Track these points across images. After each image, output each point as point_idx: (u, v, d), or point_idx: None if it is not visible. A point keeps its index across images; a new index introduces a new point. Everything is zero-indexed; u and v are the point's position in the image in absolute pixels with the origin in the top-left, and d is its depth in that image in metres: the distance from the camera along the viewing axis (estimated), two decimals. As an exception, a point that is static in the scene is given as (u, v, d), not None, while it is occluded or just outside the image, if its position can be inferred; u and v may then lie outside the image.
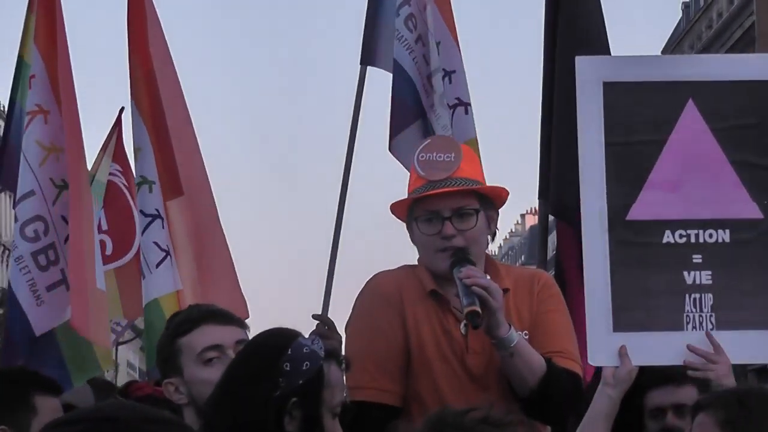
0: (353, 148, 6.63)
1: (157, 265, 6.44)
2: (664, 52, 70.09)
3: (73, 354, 6.17)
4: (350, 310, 4.87)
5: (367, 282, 4.83)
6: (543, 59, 6.49)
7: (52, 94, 6.46)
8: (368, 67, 6.77)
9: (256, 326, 4.38)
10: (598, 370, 4.89)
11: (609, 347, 4.87)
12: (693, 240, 5.02)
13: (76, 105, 6.52)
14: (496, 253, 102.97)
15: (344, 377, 3.98)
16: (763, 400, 4.08)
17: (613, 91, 5.06)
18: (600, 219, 4.98)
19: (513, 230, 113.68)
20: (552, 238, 7.22)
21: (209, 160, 6.74)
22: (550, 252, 7.22)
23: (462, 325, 4.64)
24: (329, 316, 5.74)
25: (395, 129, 6.46)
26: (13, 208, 6.53)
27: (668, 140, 5.04)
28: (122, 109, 8.39)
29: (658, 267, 5.01)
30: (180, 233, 6.63)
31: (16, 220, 6.41)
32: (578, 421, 4.72)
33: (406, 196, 4.81)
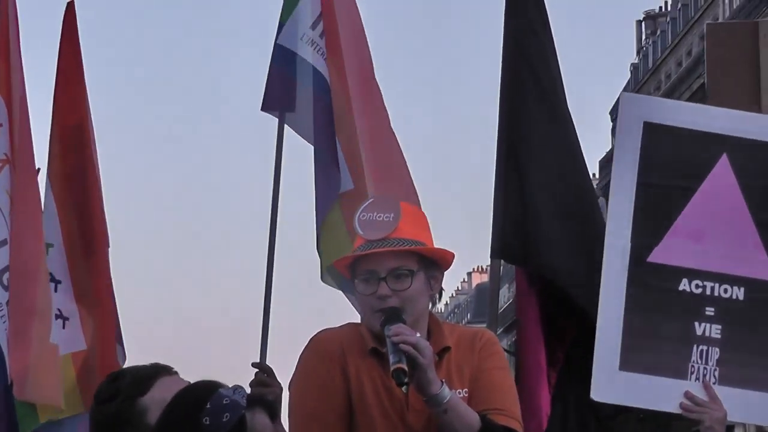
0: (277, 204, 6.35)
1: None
2: (611, 112, 70.95)
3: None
4: (295, 367, 4.81)
5: (310, 339, 4.76)
6: (498, 112, 6.05)
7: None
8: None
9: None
10: None
11: (613, 385, 4.92)
12: (708, 292, 5.03)
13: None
14: (442, 311, 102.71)
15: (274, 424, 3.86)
16: None
17: (653, 133, 5.07)
18: (622, 256, 5.00)
19: (459, 288, 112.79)
20: (503, 293, 7.11)
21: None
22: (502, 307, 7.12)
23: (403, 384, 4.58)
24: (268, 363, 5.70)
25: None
26: None
27: (698, 190, 5.05)
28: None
29: (671, 313, 5.02)
30: None
31: None
32: None
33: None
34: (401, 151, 6.28)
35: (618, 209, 5.06)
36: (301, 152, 6.41)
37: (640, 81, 65.84)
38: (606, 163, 67.38)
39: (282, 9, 6.27)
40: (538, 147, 5.78)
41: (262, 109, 6.26)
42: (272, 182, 6.27)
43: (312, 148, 6.25)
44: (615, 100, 70.63)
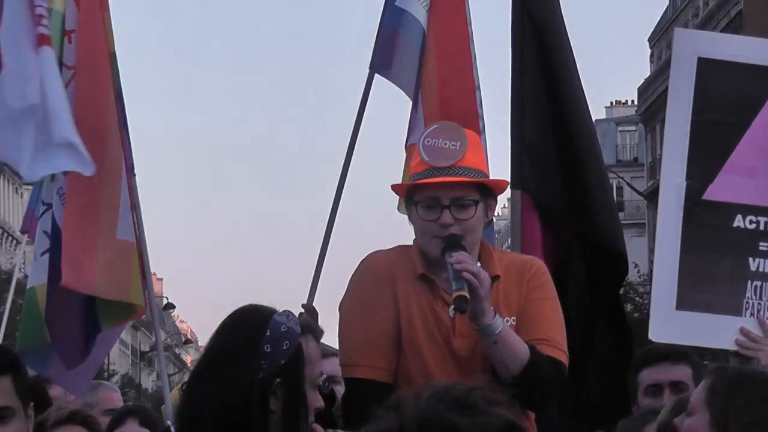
0: (354, 147, 6.36)
1: (42, 254, 6.09)
2: (650, 39, 70.81)
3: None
4: (347, 286, 4.83)
5: (361, 261, 4.77)
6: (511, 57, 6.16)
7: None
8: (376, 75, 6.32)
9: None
10: None
11: (671, 325, 4.94)
12: (762, 227, 5.01)
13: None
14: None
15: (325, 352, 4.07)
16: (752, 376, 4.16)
17: (706, 68, 5.01)
18: (677, 195, 4.99)
19: (500, 213, 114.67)
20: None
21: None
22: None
23: (450, 308, 4.58)
24: (318, 294, 5.81)
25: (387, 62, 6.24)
26: None
27: (752, 124, 5.00)
28: None
29: (726, 251, 4.99)
30: None
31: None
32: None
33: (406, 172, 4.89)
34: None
35: (673, 148, 5.03)
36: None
37: (678, 8, 65.47)
38: (644, 90, 67.55)
39: None
40: (542, 92, 5.93)
41: (371, 69, 6.19)
42: (351, 132, 6.27)
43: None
44: (653, 27, 70.73)
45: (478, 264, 4.49)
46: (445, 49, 6.01)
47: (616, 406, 5.72)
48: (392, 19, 6.07)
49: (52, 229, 5.96)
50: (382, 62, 6.12)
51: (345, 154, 6.22)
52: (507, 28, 6.08)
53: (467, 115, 5.82)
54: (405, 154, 6.09)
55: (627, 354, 5.79)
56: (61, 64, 5.97)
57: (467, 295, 4.33)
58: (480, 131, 5.86)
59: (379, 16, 6.19)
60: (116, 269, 5.76)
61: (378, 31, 6.15)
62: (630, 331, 5.99)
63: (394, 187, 4.79)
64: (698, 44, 5.09)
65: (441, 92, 5.96)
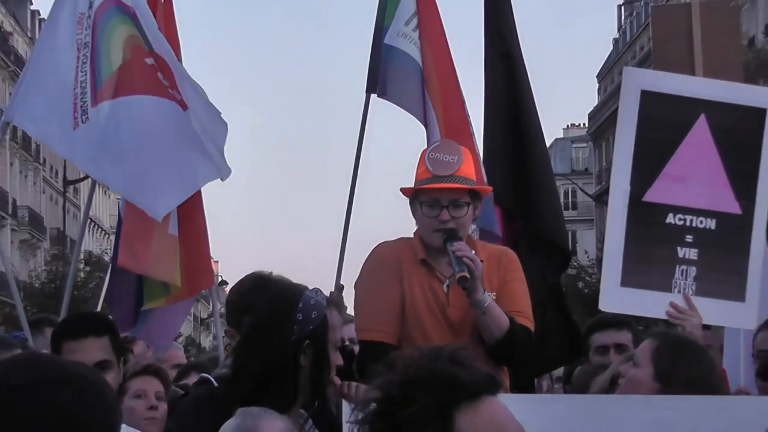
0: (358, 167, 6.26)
1: None
2: (598, 76, 70.25)
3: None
4: (359, 271, 4.82)
5: (372, 250, 4.75)
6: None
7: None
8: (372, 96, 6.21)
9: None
10: None
11: (616, 298, 4.88)
12: (688, 224, 4.94)
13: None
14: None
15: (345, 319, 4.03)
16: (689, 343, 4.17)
17: (648, 98, 4.96)
18: (623, 197, 4.92)
19: None
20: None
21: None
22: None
23: (444, 285, 4.59)
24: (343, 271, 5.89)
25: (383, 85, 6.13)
26: None
27: (683, 142, 4.95)
28: None
29: (660, 241, 4.94)
30: None
31: None
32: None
33: (414, 179, 4.76)
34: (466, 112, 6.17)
35: (621, 160, 4.96)
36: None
37: (620, 52, 65.10)
38: (593, 115, 67.14)
39: (383, 14, 6.12)
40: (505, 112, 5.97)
41: (367, 92, 6.14)
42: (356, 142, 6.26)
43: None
44: (600, 66, 70.24)
45: (473, 252, 4.48)
46: (439, 73, 5.93)
47: (562, 359, 5.97)
48: (383, 53, 6.01)
49: (118, 221, 5.93)
50: (373, 86, 6.08)
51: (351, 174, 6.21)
52: (477, 59, 6.12)
53: (461, 123, 5.85)
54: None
55: (568, 322, 5.90)
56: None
57: (467, 275, 4.33)
58: (471, 134, 5.89)
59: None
60: (167, 257, 5.68)
61: (370, 61, 6.12)
62: (568, 308, 6.10)
63: (403, 190, 4.75)
64: (642, 80, 5.04)
65: (443, 105, 5.89)
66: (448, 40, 6.07)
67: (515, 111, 5.96)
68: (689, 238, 4.93)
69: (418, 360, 2.19)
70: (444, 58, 5.99)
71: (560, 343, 5.78)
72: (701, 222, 4.94)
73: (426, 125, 5.88)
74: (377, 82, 6.08)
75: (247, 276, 4.66)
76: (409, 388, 2.14)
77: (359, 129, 6.22)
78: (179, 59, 5.76)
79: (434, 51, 5.96)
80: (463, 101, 5.98)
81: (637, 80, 5.02)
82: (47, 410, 1.85)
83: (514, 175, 5.85)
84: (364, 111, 6.21)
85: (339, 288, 5.44)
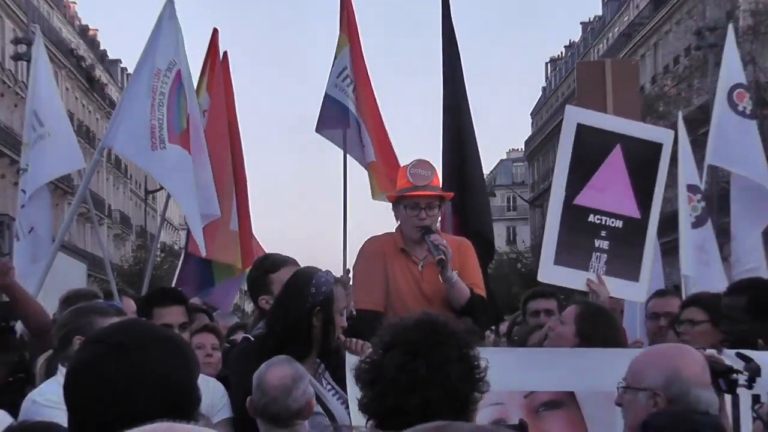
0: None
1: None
2: (532, 113, 70.37)
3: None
4: (355, 257, 4.77)
5: (364, 242, 4.70)
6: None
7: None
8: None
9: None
10: None
11: (550, 272, 4.81)
12: (603, 223, 4.87)
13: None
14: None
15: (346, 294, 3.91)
16: (603, 311, 4.19)
17: (582, 129, 4.89)
18: (559, 200, 4.84)
19: None
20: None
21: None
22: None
23: (419, 266, 4.54)
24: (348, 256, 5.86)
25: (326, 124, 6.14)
26: None
27: (603, 163, 4.87)
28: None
29: (583, 234, 4.87)
30: None
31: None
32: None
33: (397, 188, 4.72)
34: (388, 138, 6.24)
35: (560, 173, 4.88)
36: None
37: (547, 96, 65.13)
38: (528, 142, 67.29)
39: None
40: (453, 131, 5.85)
41: (316, 131, 6.07)
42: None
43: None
44: (533, 106, 70.28)
45: (444, 241, 4.44)
46: (371, 114, 6.00)
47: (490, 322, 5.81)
48: (331, 104, 6.03)
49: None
50: (324, 125, 6.10)
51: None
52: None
53: (384, 144, 5.97)
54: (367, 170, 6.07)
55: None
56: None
57: (445, 258, 4.31)
58: (394, 155, 6.01)
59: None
60: (229, 245, 5.78)
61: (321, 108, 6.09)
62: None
63: (389, 196, 4.71)
64: (578, 116, 4.97)
65: (375, 135, 5.97)
66: (373, 88, 6.13)
67: (461, 139, 5.88)
68: (603, 233, 4.85)
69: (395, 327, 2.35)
70: (371, 103, 6.07)
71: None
72: (612, 222, 4.86)
73: (363, 147, 5.98)
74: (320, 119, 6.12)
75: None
76: (390, 344, 2.29)
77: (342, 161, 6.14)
78: (234, 110, 5.99)
79: (366, 97, 6.02)
80: (386, 130, 6.09)
81: (575, 116, 4.94)
82: (149, 363, 1.83)
83: (459, 183, 5.75)
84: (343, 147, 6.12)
85: (346, 272, 5.40)
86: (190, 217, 5.39)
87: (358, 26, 6.11)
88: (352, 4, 6.13)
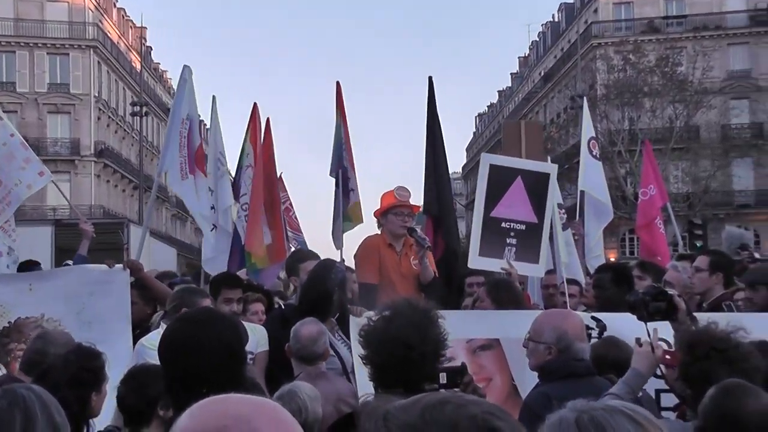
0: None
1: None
2: (467, 149, 70.32)
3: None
4: (355, 250, 4.78)
5: (363, 240, 4.75)
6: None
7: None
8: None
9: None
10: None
11: (477, 261, 4.84)
12: (511, 227, 4.91)
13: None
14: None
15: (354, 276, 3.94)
16: (512, 286, 4.13)
17: (493, 167, 4.97)
18: (480, 214, 4.91)
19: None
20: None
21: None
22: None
23: (398, 255, 4.58)
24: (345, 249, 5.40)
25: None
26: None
27: (509, 189, 4.95)
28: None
29: (497, 235, 4.90)
30: None
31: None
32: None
33: (382, 205, 4.74)
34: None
35: (479, 196, 4.93)
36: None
37: (477, 138, 65.04)
38: (463, 168, 66.79)
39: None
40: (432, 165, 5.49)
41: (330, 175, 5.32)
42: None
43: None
44: (467, 144, 70.11)
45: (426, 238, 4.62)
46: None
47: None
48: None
49: (234, 226, 5.51)
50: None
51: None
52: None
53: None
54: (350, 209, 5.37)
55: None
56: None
57: (430, 247, 4.53)
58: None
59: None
60: (261, 250, 5.34)
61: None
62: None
63: (376, 212, 4.72)
64: (490, 159, 5.00)
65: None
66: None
67: (437, 167, 5.52)
68: (512, 233, 4.88)
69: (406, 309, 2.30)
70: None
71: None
72: (518, 226, 4.89)
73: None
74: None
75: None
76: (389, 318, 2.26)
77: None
78: (275, 170, 5.51)
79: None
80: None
81: (488, 160, 5.01)
82: (218, 334, 1.87)
83: (438, 203, 5.46)
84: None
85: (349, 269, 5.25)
86: (202, 226, 5.16)
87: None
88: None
